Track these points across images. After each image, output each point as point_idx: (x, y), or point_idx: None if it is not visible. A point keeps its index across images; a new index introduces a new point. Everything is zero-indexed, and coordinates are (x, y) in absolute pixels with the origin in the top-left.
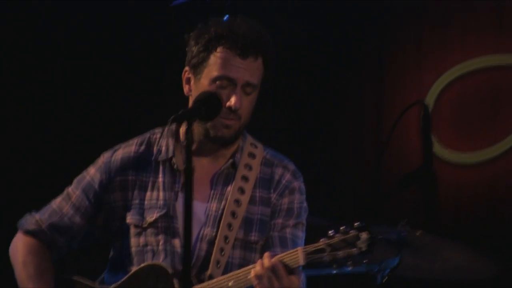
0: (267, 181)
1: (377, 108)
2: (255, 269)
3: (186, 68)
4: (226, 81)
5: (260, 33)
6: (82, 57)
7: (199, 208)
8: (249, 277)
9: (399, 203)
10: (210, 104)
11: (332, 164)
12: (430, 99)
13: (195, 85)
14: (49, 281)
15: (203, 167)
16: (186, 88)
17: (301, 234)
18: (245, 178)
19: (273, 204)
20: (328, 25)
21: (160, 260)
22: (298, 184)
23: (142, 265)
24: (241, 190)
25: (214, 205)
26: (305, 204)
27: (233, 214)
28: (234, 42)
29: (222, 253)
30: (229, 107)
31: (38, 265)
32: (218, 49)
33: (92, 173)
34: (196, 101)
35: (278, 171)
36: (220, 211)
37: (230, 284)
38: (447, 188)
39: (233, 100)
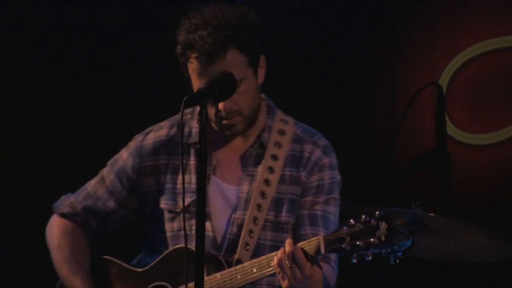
0: (296, 159)
1: (390, 89)
2: (277, 256)
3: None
4: None
5: (223, 25)
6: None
7: (230, 191)
8: (272, 264)
9: (412, 184)
10: (224, 83)
11: (345, 146)
12: (444, 80)
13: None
14: (83, 263)
15: (233, 148)
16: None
17: (333, 209)
18: (274, 157)
19: (303, 182)
20: (341, 7)
21: (193, 244)
22: (328, 160)
23: (173, 247)
24: (271, 169)
25: (245, 187)
26: (337, 179)
27: (263, 194)
28: (199, 51)
29: (252, 235)
30: (221, 111)
31: (73, 247)
32: (190, 59)
33: (125, 157)
34: (210, 81)
35: (308, 148)
36: (250, 193)
37: (254, 270)
38: (461, 169)
39: (220, 105)
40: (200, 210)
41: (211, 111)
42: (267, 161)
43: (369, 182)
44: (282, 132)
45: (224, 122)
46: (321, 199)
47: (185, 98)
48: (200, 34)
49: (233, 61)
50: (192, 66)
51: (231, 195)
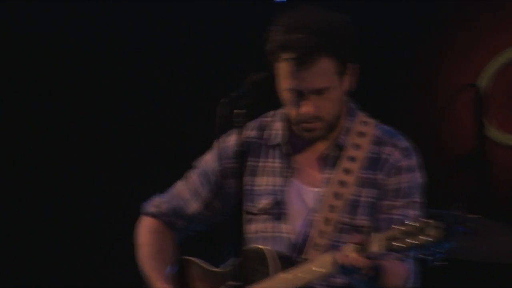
0: (374, 161)
1: (429, 90)
2: (339, 255)
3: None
4: (294, 92)
5: (320, 31)
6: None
7: (308, 193)
8: (336, 263)
9: (452, 186)
10: (261, 85)
11: None
12: (483, 81)
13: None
14: (164, 261)
15: (313, 151)
16: None
17: (412, 213)
18: (351, 159)
19: (380, 185)
20: (381, 7)
21: (270, 246)
22: (407, 162)
23: (247, 247)
24: (347, 171)
25: (322, 190)
26: (418, 181)
27: (336, 195)
28: (292, 53)
29: (322, 236)
30: (303, 114)
31: (155, 245)
32: (280, 60)
33: (208, 158)
34: (248, 83)
35: (386, 150)
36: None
37: (314, 269)
38: (501, 171)
39: (303, 108)
40: (238, 215)
41: (292, 113)
42: (343, 163)
43: None
44: (361, 134)
45: (304, 125)
46: (399, 202)
47: (221, 100)
48: (296, 37)
49: (323, 68)
50: (281, 66)
51: (309, 197)
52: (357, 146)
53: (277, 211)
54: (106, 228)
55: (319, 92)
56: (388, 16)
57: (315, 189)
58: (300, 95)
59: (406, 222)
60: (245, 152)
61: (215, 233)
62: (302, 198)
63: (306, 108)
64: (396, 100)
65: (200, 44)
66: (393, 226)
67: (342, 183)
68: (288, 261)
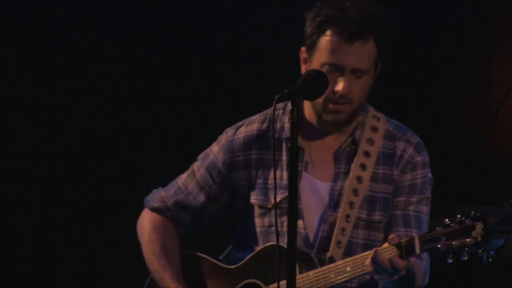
0: (389, 156)
1: (484, 86)
2: (372, 255)
3: (303, 48)
4: (334, 67)
5: (371, 14)
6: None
7: (323, 188)
8: (366, 263)
9: (505, 182)
10: (316, 82)
11: (438, 143)
12: None
13: (309, 66)
14: (173, 258)
15: (326, 144)
16: (303, 68)
17: (425, 209)
18: (367, 154)
19: (396, 181)
20: (437, 6)
21: (285, 241)
22: (421, 158)
23: (266, 245)
24: (363, 166)
25: (338, 185)
26: (429, 177)
27: (355, 191)
28: (342, 27)
29: (344, 233)
30: (337, 92)
31: (163, 242)
32: (327, 33)
33: (216, 151)
34: (302, 79)
35: (400, 145)
36: (343, 190)
37: (348, 269)
38: None
39: (340, 85)
40: (292, 208)
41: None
42: (359, 158)
43: (461, 180)
44: (374, 129)
45: (331, 106)
46: (414, 199)
47: (277, 96)
48: (348, 13)
49: (369, 50)
50: (327, 40)
51: (323, 192)
52: (371, 141)
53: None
54: (107, 228)
55: (359, 73)
56: (444, 14)
57: (328, 184)
58: (341, 72)
59: (447, 222)
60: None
61: (216, 226)
62: (316, 193)
63: (343, 85)
64: (452, 96)
65: (200, 43)
66: (438, 227)
67: (359, 179)
68: (307, 258)
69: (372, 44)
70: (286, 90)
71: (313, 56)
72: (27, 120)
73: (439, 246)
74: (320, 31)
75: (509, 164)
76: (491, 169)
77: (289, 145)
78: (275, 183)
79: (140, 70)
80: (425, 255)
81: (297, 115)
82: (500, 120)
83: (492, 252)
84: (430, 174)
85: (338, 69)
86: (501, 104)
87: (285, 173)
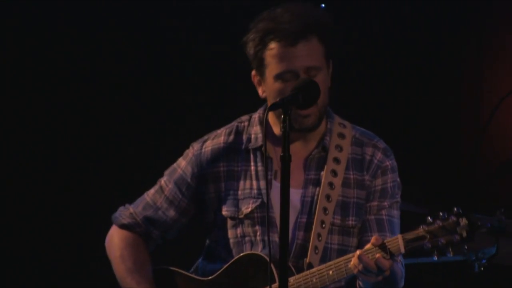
0: (358, 162)
1: (476, 96)
2: (355, 257)
3: (253, 72)
4: (288, 74)
5: (307, 13)
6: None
7: (294, 195)
8: (349, 265)
9: (496, 191)
10: (307, 91)
11: (430, 151)
12: None
13: (265, 85)
14: (147, 274)
15: (295, 152)
16: (260, 91)
17: (396, 213)
18: (336, 160)
19: (367, 186)
20: (428, 13)
21: (259, 250)
22: (390, 162)
23: (241, 254)
24: (334, 172)
25: (309, 191)
26: (398, 181)
27: (328, 197)
28: (282, 33)
29: (320, 239)
30: None
31: (135, 258)
32: (270, 45)
33: (183, 165)
34: (293, 89)
35: (369, 151)
36: (315, 196)
37: (330, 273)
38: None
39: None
40: (283, 220)
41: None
42: (330, 165)
43: (453, 188)
44: (341, 136)
45: (300, 111)
46: (386, 203)
47: (269, 106)
48: (282, 20)
49: (314, 47)
50: (272, 52)
51: (294, 199)
52: (340, 148)
53: (262, 214)
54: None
55: (313, 71)
56: (435, 22)
57: (299, 190)
58: (296, 76)
59: (430, 220)
60: (222, 157)
61: (182, 240)
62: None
63: None
64: (444, 105)
65: (198, 46)
66: (421, 225)
67: (331, 185)
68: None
69: (316, 41)
70: (278, 99)
71: (264, 74)
72: (27, 120)
73: (424, 244)
74: (262, 47)
75: (501, 173)
76: (483, 178)
77: (281, 154)
78: (267, 187)
79: (133, 74)
80: (400, 258)
81: (288, 125)
82: (492, 129)
83: (484, 261)
84: (398, 179)
85: (292, 74)
86: (493, 113)
87: (254, 183)
